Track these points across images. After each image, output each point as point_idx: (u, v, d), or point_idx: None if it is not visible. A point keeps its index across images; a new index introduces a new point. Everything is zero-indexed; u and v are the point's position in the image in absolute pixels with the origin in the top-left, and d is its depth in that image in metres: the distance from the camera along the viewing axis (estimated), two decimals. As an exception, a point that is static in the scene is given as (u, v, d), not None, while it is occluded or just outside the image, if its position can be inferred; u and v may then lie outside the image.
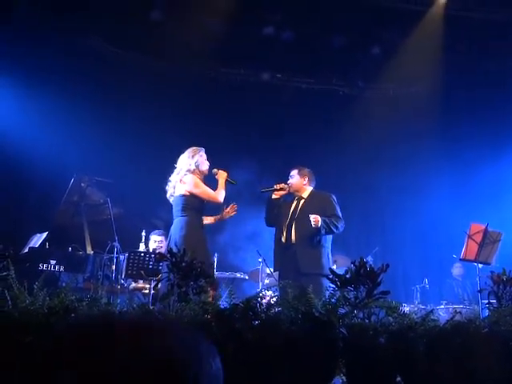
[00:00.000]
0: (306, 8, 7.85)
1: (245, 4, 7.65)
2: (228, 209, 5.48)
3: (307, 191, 5.67)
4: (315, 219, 5.23)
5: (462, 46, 8.40)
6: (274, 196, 5.64)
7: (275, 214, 5.62)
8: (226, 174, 5.34)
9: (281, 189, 5.62)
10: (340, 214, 5.53)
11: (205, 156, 5.30)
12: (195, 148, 5.31)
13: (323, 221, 5.28)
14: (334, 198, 5.61)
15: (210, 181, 5.35)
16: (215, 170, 5.36)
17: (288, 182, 5.68)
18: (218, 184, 5.30)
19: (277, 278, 5.69)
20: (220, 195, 5.21)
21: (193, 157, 5.23)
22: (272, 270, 6.05)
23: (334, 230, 5.44)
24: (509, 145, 8.27)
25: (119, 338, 0.85)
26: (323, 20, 8.03)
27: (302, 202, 5.61)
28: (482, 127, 8.33)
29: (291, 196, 5.73)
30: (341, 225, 5.47)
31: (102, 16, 7.61)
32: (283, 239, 5.46)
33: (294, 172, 5.71)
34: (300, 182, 5.66)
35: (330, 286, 3.57)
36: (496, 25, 7.64)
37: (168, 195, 5.27)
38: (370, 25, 8.21)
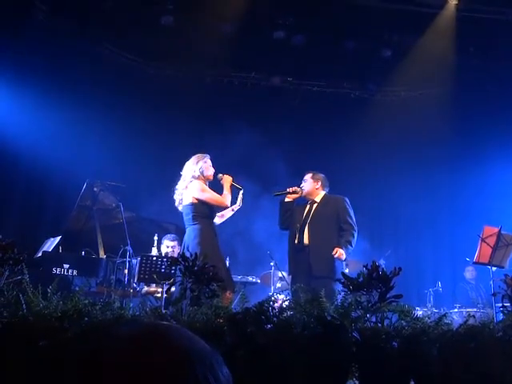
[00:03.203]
0: (316, 11, 7.85)
1: (256, 8, 7.67)
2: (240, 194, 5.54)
3: (320, 195, 5.69)
4: (339, 254, 5.27)
5: (473, 48, 8.36)
6: (286, 199, 5.67)
7: (288, 217, 5.64)
8: (231, 179, 5.36)
9: (293, 192, 5.65)
10: (353, 219, 5.54)
11: (209, 162, 5.31)
12: (200, 155, 5.33)
13: (343, 248, 5.32)
14: (348, 202, 5.62)
15: (216, 188, 5.37)
16: (220, 175, 5.37)
17: (301, 185, 5.69)
18: (223, 190, 5.31)
19: (289, 282, 5.70)
20: (226, 199, 5.22)
21: (197, 163, 5.24)
22: (284, 274, 6.05)
23: (354, 244, 5.48)
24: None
25: (128, 343, 0.85)
26: (334, 23, 8.03)
27: (315, 205, 5.63)
28: (494, 129, 8.27)
29: (304, 200, 5.74)
30: (354, 232, 5.49)
31: (115, 24, 7.68)
32: (296, 242, 5.48)
33: (308, 176, 5.73)
34: (313, 186, 5.68)
35: (342, 290, 3.56)
36: (507, 26, 7.58)
37: (176, 203, 5.28)
38: (381, 27, 8.20)
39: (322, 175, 5.78)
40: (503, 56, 8.17)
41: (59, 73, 7.60)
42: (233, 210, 5.52)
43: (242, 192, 5.50)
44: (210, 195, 5.16)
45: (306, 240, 5.44)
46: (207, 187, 5.22)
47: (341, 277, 5.35)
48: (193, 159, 5.30)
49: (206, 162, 5.28)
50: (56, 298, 3.17)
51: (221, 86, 8.91)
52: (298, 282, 4.89)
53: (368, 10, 7.64)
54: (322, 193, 5.71)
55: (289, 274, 5.85)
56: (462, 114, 8.54)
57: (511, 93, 8.26)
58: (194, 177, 5.18)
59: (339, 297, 3.48)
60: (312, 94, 9.21)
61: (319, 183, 5.70)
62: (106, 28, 7.92)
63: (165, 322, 0.98)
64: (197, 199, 5.11)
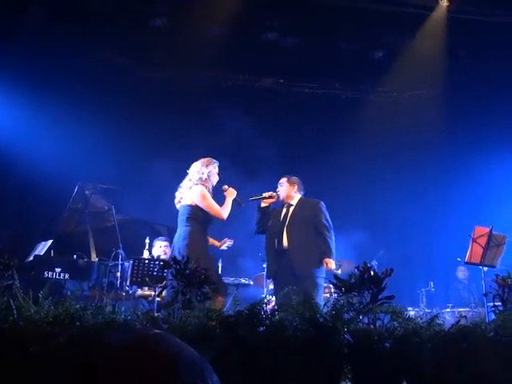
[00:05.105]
0: (308, 13, 7.87)
1: (247, 10, 7.67)
2: (225, 242, 5.76)
3: (296, 198, 5.75)
4: (329, 266, 5.33)
5: (464, 49, 8.41)
6: (263, 204, 5.71)
7: (265, 221, 5.69)
8: (235, 193, 5.38)
9: (270, 197, 5.70)
10: (329, 222, 5.60)
11: (217, 169, 5.34)
12: (210, 159, 5.36)
13: (329, 253, 5.37)
14: (323, 205, 5.69)
15: (218, 195, 5.37)
16: (226, 186, 5.38)
17: (277, 189, 5.73)
18: (224, 200, 5.31)
19: (271, 286, 5.79)
20: (224, 212, 5.23)
21: (207, 166, 5.27)
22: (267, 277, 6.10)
23: (333, 245, 5.53)
24: (512, 147, 8.26)
25: (119, 349, 0.85)
26: (326, 25, 8.05)
27: (292, 208, 5.69)
28: (486, 130, 8.31)
29: (280, 203, 5.77)
30: (331, 235, 5.54)
31: (109, 26, 7.67)
32: (276, 245, 5.51)
33: (283, 180, 5.79)
34: (289, 190, 5.73)
35: (335, 291, 3.58)
36: (498, 27, 7.62)
37: (176, 201, 5.30)
38: (373, 29, 8.22)
39: (297, 178, 5.84)
40: (494, 57, 8.22)
41: (53, 75, 7.57)
42: (211, 243, 5.60)
43: (232, 242, 5.71)
44: (208, 204, 5.16)
45: (285, 243, 5.50)
46: (209, 195, 5.22)
47: (323, 275, 5.47)
48: (203, 161, 5.32)
49: (215, 168, 5.32)
50: (47, 302, 3.15)
51: (213, 87, 8.90)
52: (282, 282, 4.98)
53: (359, 11, 7.66)
54: (298, 196, 5.78)
55: (267, 278, 5.93)
56: (454, 114, 8.57)
57: (502, 93, 8.30)
58: (200, 179, 5.20)
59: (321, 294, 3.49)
60: (304, 95, 9.22)
61: (295, 186, 5.76)
62: (100, 30, 7.89)
63: (155, 330, 0.98)
64: (196, 204, 5.12)
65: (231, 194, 5.35)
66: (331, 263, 5.34)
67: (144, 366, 0.82)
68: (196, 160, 5.43)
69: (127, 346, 0.86)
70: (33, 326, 2.87)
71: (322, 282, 5.52)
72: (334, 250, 5.46)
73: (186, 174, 5.36)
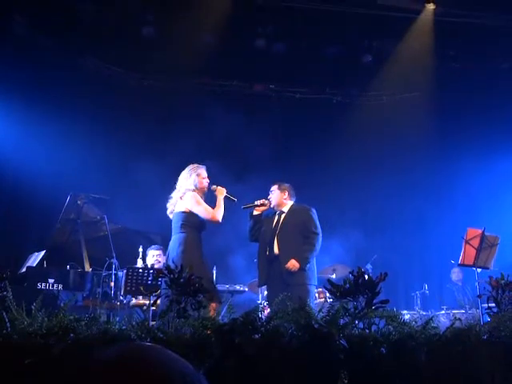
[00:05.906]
0: (297, 19, 7.91)
1: (237, 17, 7.70)
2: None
3: (287, 206, 5.74)
4: (292, 266, 5.28)
5: (452, 51, 8.48)
6: (255, 212, 5.70)
7: (257, 229, 5.68)
8: (224, 191, 5.34)
9: (262, 204, 5.68)
10: (318, 229, 5.56)
11: (204, 173, 5.29)
12: (193, 166, 5.30)
13: (300, 258, 5.33)
14: (314, 212, 5.66)
15: (209, 197, 5.35)
16: (214, 186, 5.36)
17: (268, 197, 5.73)
18: (216, 201, 5.29)
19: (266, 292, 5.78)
20: (218, 214, 5.18)
21: (190, 176, 5.22)
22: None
23: (315, 253, 5.50)
24: (503, 149, 8.31)
25: (115, 363, 0.85)
26: (315, 30, 8.09)
27: (283, 216, 5.67)
28: (476, 131, 8.36)
29: (272, 210, 5.77)
30: (316, 241, 5.50)
31: (97, 35, 7.66)
32: (267, 253, 5.52)
33: (275, 187, 5.77)
34: (280, 197, 5.72)
35: (329, 297, 3.58)
36: (484, 29, 7.70)
37: (168, 212, 5.26)
38: (361, 33, 8.28)
39: (288, 185, 5.81)
40: (481, 58, 8.29)
41: (41, 86, 7.55)
42: None
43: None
44: (202, 209, 5.12)
45: (275, 250, 5.49)
46: (201, 200, 5.19)
47: (314, 282, 5.46)
48: (187, 171, 5.27)
49: (198, 175, 5.24)
50: (41, 314, 3.12)
51: (204, 94, 8.91)
52: (273, 290, 4.97)
53: (348, 16, 7.71)
54: (290, 202, 5.76)
55: (258, 286, 5.98)
56: (445, 116, 8.63)
57: (491, 94, 8.36)
58: (188, 189, 5.17)
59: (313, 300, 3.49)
60: (295, 100, 9.26)
61: (286, 193, 5.74)
62: (88, 40, 7.89)
63: (148, 343, 0.98)
64: (189, 210, 5.10)
65: (221, 192, 5.31)
66: (292, 264, 5.28)
67: (137, 378, 0.83)
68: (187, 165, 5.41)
69: (121, 359, 0.86)
70: (26, 338, 2.85)
71: (313, 289, 5.51)
72: (310, 257, 5.40)
73: (178, 181, 5.33)
